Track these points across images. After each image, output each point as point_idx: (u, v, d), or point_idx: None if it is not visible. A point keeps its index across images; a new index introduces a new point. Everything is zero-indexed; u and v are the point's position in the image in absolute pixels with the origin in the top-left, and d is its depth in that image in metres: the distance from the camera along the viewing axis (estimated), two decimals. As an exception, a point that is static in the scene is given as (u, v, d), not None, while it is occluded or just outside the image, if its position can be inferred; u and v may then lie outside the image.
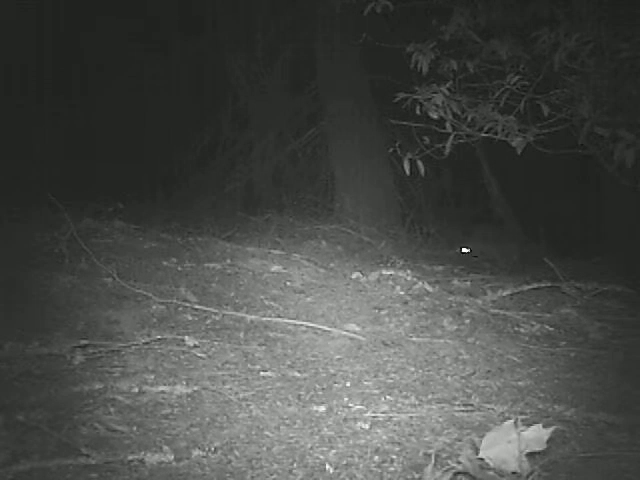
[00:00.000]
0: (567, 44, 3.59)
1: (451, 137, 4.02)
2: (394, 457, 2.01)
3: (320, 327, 3.27)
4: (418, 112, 3.92)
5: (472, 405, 2.41)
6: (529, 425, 1.90)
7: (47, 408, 2.25)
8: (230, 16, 7.53)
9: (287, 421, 2.28)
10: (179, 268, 4.04)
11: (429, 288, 3.98)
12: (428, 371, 2.82)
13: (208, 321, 3.28)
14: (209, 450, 2.05)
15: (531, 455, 1.85)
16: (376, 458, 2.01)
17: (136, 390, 2.47)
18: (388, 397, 2.48)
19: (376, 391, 2.55)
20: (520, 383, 2.69)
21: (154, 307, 3.33)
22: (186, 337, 2.95)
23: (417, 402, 2.44)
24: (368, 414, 2.32)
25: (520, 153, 3.78)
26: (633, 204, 5.37)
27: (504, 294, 3.94)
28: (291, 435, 2.17)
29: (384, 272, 4.27)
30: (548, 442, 1.88)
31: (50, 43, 7.07)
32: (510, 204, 6.84)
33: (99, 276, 3.60)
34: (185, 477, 1.91)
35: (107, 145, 7.51)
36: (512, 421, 1.89)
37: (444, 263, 5.07)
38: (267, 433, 2.18)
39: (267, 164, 7.53)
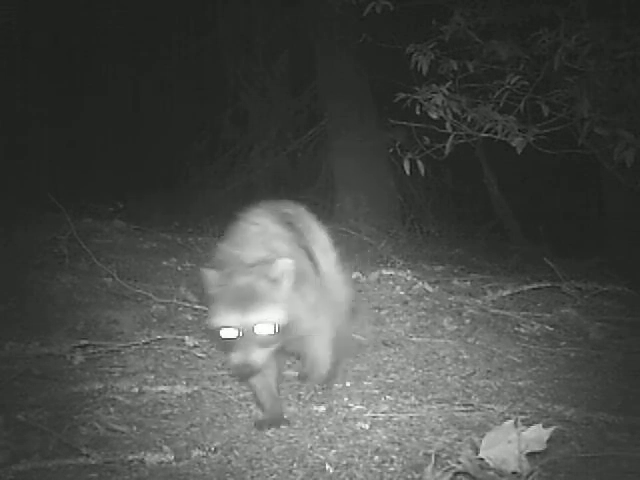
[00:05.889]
0: (567, 44, 3.59)
1: (451, 137, 4.02)
2: (394, 457, 2.01)
3: (320, 327, 3.26)
4: (418, 112, 3.92)
5: (472, 405, 2.41)
6: (529, 425, 1.89)
7: (47, 408, 2.26)
8: (230, 16, 7.54)
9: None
10: (179, 268, 4.04)
11: (429, 288, 3.97)
12: (428, 371, 2.82)
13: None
14: (209, 450, 2.05)
15: (531, 455, 1.85)
16: (376, 458, 2.01)
17: (136, 390, 2.47)
18: (388, 397, 2.48)
19: (376, 391, 2.55)
20: (520, 383, 2.68)
21: (154, 307, 3.32)
22: (186, 337, 2.94)
23: (417, 402, 2.43)
24: (368, 414, 2.31)
25: (520, 153, 3.77)
26: (633, 204, 5.38)
27: (504, 294, 3.93)
28: (291, 435, 2.17)
29: (384, 272, 4.26)
30: (548, 442, 1.87)
31: (50, 44, 7.08)
32: (510, 204, 6.84)
33: (99, 276, 3.60)
34: (185, 477, 1.91)
35: (107, 145, 7.53)
36: (512, 421, 1.88)
37: (444, 263, 5.07)
38: (267, 433, 2.18)
39: (267, 164, 7.53)
